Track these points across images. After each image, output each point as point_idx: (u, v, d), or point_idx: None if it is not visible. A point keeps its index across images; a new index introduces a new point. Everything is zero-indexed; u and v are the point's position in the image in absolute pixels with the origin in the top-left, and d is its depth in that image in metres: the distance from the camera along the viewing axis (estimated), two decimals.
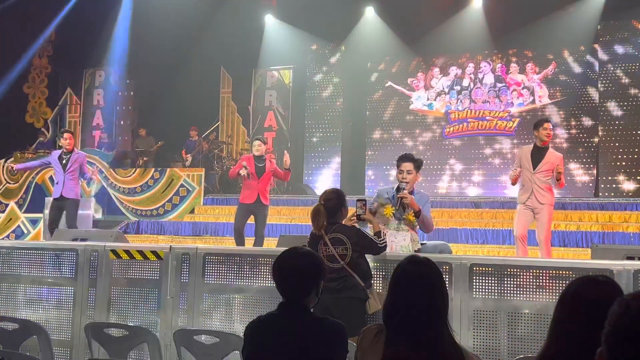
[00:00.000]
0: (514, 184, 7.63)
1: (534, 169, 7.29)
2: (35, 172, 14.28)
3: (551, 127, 7.40)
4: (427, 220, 5.52)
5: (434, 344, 2.37)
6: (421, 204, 5.49)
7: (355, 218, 4.88)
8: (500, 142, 15.25)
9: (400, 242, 5.46)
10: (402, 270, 2.55)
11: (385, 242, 4.71)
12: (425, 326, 2.38)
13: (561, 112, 14.78)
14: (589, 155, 14.40)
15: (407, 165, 5.62)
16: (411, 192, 5.58)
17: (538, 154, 7.33)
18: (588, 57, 14.68)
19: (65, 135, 9.48)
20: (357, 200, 4.92)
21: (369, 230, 4.90)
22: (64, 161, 9.23)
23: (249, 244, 8.99)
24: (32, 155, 15.30)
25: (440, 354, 2.36)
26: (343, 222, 4.75)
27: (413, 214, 5.44)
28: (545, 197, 7.25)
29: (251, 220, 9.00)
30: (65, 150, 9.35)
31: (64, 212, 9.18)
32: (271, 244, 9.13)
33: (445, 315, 2.47)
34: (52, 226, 8.94)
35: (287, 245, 4.46)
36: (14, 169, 10.44)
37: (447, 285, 4.51)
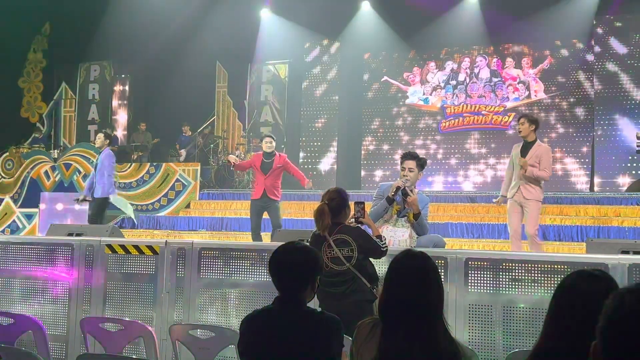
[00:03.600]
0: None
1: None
2: (30, 167, 14.28)
3: (523, 122, 7.34)
4: (423, 224, 5.52)
5: (430, 338, 2.37)
6: (420, 206, 5.49)
7: (353, 221, 4.77)
8: (496, 136, 15.27)
9: (399, 237, 5.48)
10: (398, 264, 2.55)
11: (387, 246, 4.63)
12: (420, 320, 2.39)
13: (557, 107, 14.81)
14: (584, 150, 14.42)
15: (410, 163, 5.62)
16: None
17: (525, 149, 7.35)
18: (583, 51, 14.70)
19: (98, 134, 9.94)
20: (355, 203, 4.76)
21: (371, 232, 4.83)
22: (96, 161, 9.61)
23: (267, 239, 8.98)
24: (28, 150, 15.27)
25: (435, 348, 2.36)
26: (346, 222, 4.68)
27: (412, 215, 5.45)
28: (530, 193, 7.24)
29: (266, 215, 9.09)
30: (99, 150, 9.74)
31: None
32: (266, 239, 9.13)
33: (441, 309, 2.47)
34: (91, 222, 9.38)
35: (283, 239, 4.46)
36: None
37: (442, 280, 4.53)
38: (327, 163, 16.25)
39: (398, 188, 5.46)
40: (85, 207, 11.42)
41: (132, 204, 13.97)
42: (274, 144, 9.12)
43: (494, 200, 8.14)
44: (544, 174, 7.23)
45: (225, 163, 14.67)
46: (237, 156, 9.76)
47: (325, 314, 2.90)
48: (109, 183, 9.56)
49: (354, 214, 4.73)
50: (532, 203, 7.26)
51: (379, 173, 16.06)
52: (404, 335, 2.38)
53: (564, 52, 14.91)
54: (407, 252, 2.62)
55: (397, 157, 6.01)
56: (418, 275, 2.48)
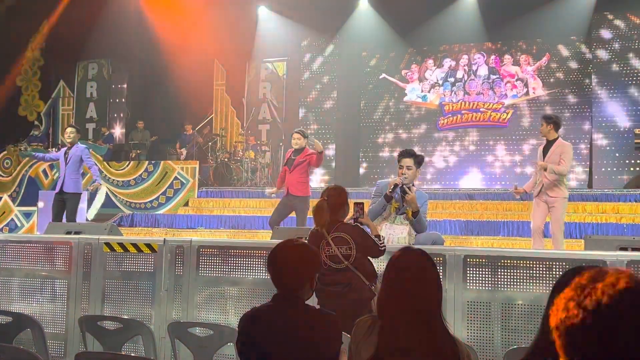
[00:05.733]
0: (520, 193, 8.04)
1: (543, 162, 7.53)
2: (29, 165, 14.26)
3: (541, 123, 7.68)
4: (421, 221, 5.51)
5: (428, 335, 2.37)
6: (419, 203, 5.49)
7: (352, 221, 4.73)
8: (495, 133, 15.27)
9: (398, 235, 5.48)
10: (396, 261, 2.55)
11: (385, 245, 4.62)
12: (419, 317, 2.38)
13: (555, 104, 14.80)
14: (583, 147, 14.43)
15: (407, 161, 5.63)
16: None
17: (547, 148, 7.63)
18: (582, 48, 14.71)
19: (67, 129, 9.67)
20: (355, 203, 4.76)
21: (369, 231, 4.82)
22: (66, 155, 9.38)
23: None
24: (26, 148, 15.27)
25: (433, 345, 2.36)
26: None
27: (411, 213, 5.45)
28: (554, 191, 7.44)
29: (293, 214, 8.75)
30: (68, 145, 9.49)
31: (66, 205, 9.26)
32: (265, 236, 9.12)
33: (439, 306, 2.47)
34: (55, 220, 8.97)
35: (281, 237, 4.46)
36: (22, 149, 10.43)
37: (440, 277, 4.53)
38: (325, 160, 16.21)
39: (396, 185, 5.47)
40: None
41: (129, 202, 13.97)
42: (302, 140, 8.52)
43: (512, 188, 8.28)
44: (561, 168, 7.41)
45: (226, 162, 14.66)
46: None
47: (324, 312, 2.90)
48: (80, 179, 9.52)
49: (353, 215, 4.73)
50: (558, 201, 7.44)
51: (377, 170, 16.05)
52: (403, 333, 2.38)
53: (562, 49, 14.90)
54: (405, 249, 2.62)
55: (395, 154, 6.02)
56: (416, 273, 2.48)
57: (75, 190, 9.25)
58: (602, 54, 14.12)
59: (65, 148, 9.58)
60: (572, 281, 1.42)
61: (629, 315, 1.27)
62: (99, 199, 10.13)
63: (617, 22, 14.09)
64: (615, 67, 13.94)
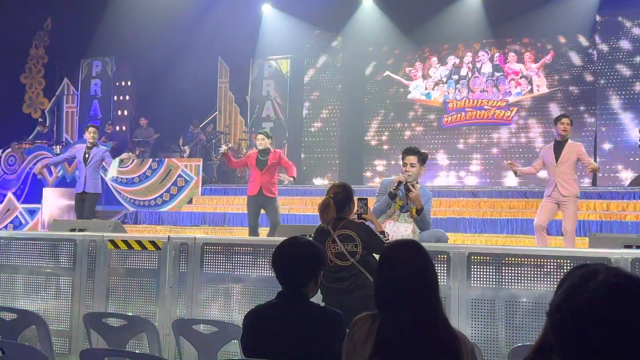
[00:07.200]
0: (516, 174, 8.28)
1: (556, 162, 7.60)
2: (33, 162, 14.27)
3: (568, 122, 7.73)
4: (426, 219, 5.51)
5: (427, 327, 2.35)
6: (423, 201, 5.49)
7: (356, 217, 4.73)
8: (498, 131, 15.25)
9: (402, 233, 5.47)
10: (388, 255, 2.53)
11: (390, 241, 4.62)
12: (416, 308, 2.36)
13: (559, 101, 14.78)
14: (587, 144, 14.39)
15: (411, 159, 5.62)
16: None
17: (558, 148, 7.68)
18: (586, 46, 14.67)
19: (90, 129, 9.75)
20: (359, 199, 4.76)
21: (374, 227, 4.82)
22: (86, 155, 9.43)
23: (263, 234, 8.94)
24: (29, 146, 15.29)
25: (433, 337, 2.34)
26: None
27: (415, 210, 5.45)
28: (568, 190, 7.52)
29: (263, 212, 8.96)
30: (88, 145, 9.55)
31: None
32: (263, 234, 9.12)
33: (437, 297, 2.42)
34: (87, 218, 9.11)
35: (285, 235, 4.46)
36: (41, 170, 10.62)
37: (445, 275, 4.53)
38: (329, 158, 16.24)
39: (400, 183, 5.46)
40: None
41: (133, 200, 13.98)
42: (267, 140, 8.86)
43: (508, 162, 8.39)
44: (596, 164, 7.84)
45: (221, 156, 14.66)
46: (229, 148, 9.59)
47: (328, 309, 2.91)
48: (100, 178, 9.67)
49: (357, 210, 4.73)
50: (570, 200, 7.54)
51: (381, 168, 16.06)
52: (401, 326, 2.36)
53: (567, 47, 14.87)
54: (395, 242, 2.63)
55: (399, 152, 6.03)
56: (408, 262, 2.43)
57: (95, 190, 9.42)
58: (607, 51, 14.08)
59: (84, 147, 9.59)
60: (566, 281, 1.43)
61: (618, 313, 1.27)
62: (114, 165, 9.92)
63: (622, 19, 14.05)
64: (620, 64, 13.90)
